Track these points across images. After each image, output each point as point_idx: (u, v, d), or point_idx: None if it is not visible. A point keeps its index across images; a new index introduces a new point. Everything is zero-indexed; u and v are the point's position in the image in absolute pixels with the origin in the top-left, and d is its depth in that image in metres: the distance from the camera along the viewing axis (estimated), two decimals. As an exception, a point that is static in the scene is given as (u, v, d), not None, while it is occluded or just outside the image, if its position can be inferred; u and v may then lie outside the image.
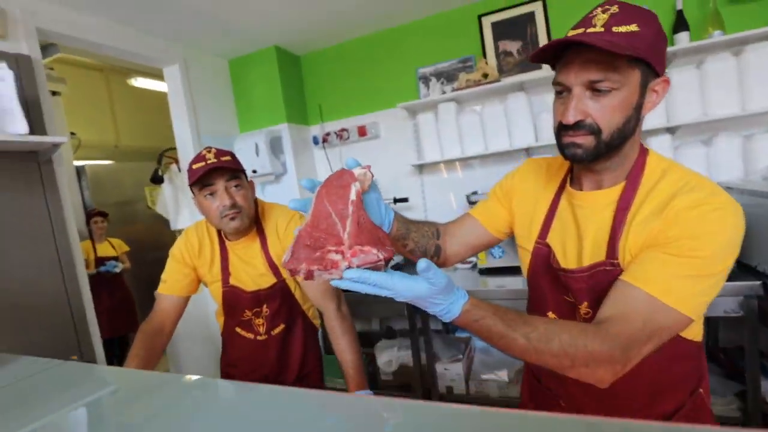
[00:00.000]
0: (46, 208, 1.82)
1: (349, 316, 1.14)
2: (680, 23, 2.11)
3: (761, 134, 1.99)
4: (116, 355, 3.46)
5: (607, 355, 0.60)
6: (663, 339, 0.64)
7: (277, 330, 1.26)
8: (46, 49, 2.75)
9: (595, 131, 0.69)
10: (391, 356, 2.52)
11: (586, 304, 0.77)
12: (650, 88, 0.70)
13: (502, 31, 2.52)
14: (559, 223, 0.84)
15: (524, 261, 0.91)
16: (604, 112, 0.68)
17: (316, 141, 3.04)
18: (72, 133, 3.63)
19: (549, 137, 2.34)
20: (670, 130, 2.17)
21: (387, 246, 0.58)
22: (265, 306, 1.23)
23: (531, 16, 2.45)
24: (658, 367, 0.75)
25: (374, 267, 0.56)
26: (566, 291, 0.81)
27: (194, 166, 1.11)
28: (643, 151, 0.77)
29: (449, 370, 2.37)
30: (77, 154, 3.71)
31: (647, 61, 0.66)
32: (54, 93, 3.33)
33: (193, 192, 1.16)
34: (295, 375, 1.30)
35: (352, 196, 0.59)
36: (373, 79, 2.87)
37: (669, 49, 2.04)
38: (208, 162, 1.10)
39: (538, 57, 0.73)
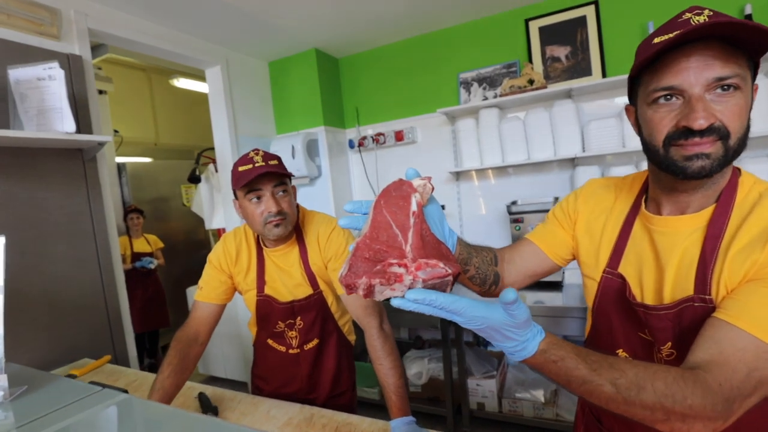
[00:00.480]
0: (87, 204, 1.85)
1: (392, 335, 1.08)
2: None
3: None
4: (146, 348, 3.53)
5: (710, 410, 0.51)
6: None
7: (310, 344, 1.22)
8: (95, 49, 2.84)
9: (725, 136, 0.60)
10: (421, 368, 2.44)
11: (669, 345, 0.68)
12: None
13: (550, 35, 2.42)
14: (633, 250, 0.75)
15: (590, 291, 0.82)
16: (732, 113, 0.59)
17: (351, 144, 3.01)
18: (115, 131, 3.74)
19: (597, 147, 2.22)
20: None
21: (452, 261, 0.52)
22: (299, 318, 1.19)
23: (582, 20, 2.34)
24: (749, 422, 0.65)
25: (441, 283, 0.50)
26: (642, 328, 0.72)
27: (240, 169, 1.07)
28: (735, 171, 0.68)
29: (481, 386, 2.28)
30: (119, 151, 3.82)
31: (756, 60, 0.60)
32: (100, 92, 3.44)
33: (236, 194, 1.12)
34: (326, 394, 1.24)
35: (413, 207, 0.54)
36: (412, 84, 2.82)
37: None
38: (257, 165, 1.06)
39: (636, 67, 0.64)
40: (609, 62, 2.31)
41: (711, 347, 0.56)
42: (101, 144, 1.79)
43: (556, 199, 2.32)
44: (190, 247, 4.22)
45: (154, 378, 1.11)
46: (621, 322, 0.75)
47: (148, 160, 4.12)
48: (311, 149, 2.79)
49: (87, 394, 0.71)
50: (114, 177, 3.68)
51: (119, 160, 3.77)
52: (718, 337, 0.57)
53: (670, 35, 0.59)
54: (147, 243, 3.49)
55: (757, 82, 0.64)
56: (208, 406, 1.14)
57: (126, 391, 0.71)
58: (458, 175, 2.74)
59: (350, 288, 0.50)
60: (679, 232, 0.68)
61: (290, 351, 1.22)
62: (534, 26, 2.45)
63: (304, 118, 2.89)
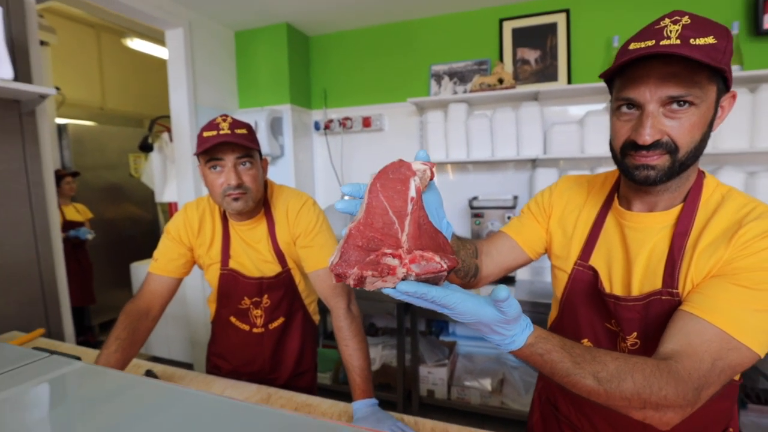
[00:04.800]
0: (23, 162, 1.68)
1: (359, 317, 1.06)
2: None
3: (765, 172, 2.01)
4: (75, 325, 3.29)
5: (681, 399, 0.54)
6: (730, 378, 0.59)
7: (275, 323, 1.17)
8: (38, -7, 2.56)
9: (672, 150, 0.64)
10: (374, 354, 2.45)
11: (635, 334, 0.71)
12: (720, 104, 0.66)
13: (522, 38, 2.47)
14: (604, 244, 0.78)
15: (560, 282, 0.85)
16: (683, 129, 0.63)
17: (317, 126, 2.93)
18: (57, 88, 3.41)
19: (557, 151, 2.31)
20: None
21: (449, 253, 0.50)
22: (266, 296, 1.14)
23: (553, 26, 2.42)
24: (701, 406, 0.70)
25: (435, 277, 0.48)
26: (608, 318, 0.76)
27: (205, 134, 1.00)
28: (700, 174, 0.73)
29: (432, 374, 2.32)
30: (60, 111, 3.50)
31: (725, 75, 0.62)
32: (42, 43, 3.12)
33: (198, 160, 1.05)
34: (289, 373, 1.21)
35: (412, 192, 0.51)
36: (384, 71, 2.79)
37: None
38: (221, 133, 0.99)
39: (608, 73, 0.67)
40: (575, 70, 2.40)
41: (680, 339, 0.60)
42: (43, 96, 1.62)
43: (516, 197, 2.40)
44: (135, 221, 3.97)
45: (96, 354, 1.02)
46: (588, 312, 0.79)
47: (92, 123, 3.80)
48: (275, 127, 2.70)
49: (30, 361, 0.64)
50: (53, 138, 3.36)
51: (60, 121, 3.45)
52: (687, 329, 0.61)
53: (642, 44, 0.62)
54: (76, 211, 3.22)
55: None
56: (157, 384, 1.06)
57: (79, 358, 0.64)
58: (423, 167, 2.76)
59: (340, 277, 0.47)
60: (649, 228, 0.72)
61: (254, 330, 1.17)
62: (508, 27, 2.50)
63: (270, 95, 2.78)
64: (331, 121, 2.88)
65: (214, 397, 0.58)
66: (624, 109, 0.67)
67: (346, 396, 1.01)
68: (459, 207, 2.67)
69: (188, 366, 2.84)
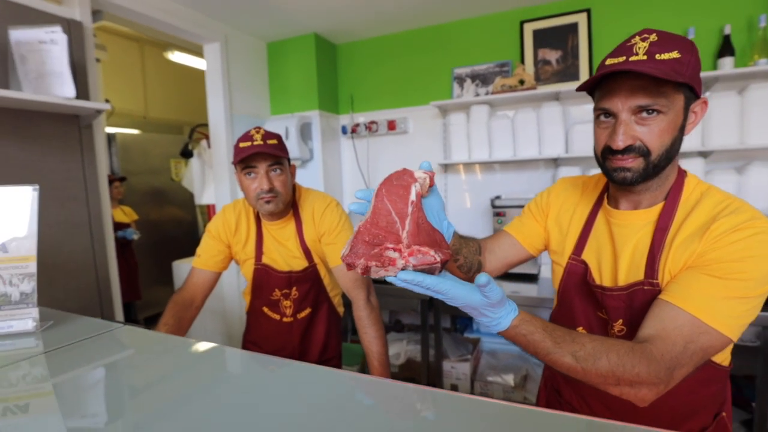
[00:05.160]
0: (82, 171, 1.87)
1: (378, 308, 1.17)
2: (726, 48, 2.08)
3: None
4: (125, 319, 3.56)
5: (654, 377, 0.61)
6: (704, 359, 0.65)
7: (303, 313, 1.30)
8: (92, 15, 2.81)
9: (645, 153, 0.71)
10: (399, 349, 2.55)
11: (621, 321, 0.78)
12: (691, 110, 0.73)
13: (543, 39, 2.51)
14: (594, 240, 0.85)
15: (557, 276, 0.93)
16: (653, 135, 0.70)
17: (344, 130, 3.06)
18: (106, 100, 3.70)
19: (579, 149, 2.33)
20: (704, 154, 2.15)
21: (444, 248, 0.59)
22: (294, 288, 1.26)
23: (574, 27, 2.44)
24: (687, 389, 0.76)
25: (430, 267, 0.57)
26: (599, 308, 0.83)
27: (241, 145, 1.13)
28: (681, 173, 0.79)
29: (456, 369, 2.39)
30: (109, 120, 3.79)
31: (690, 85, 0.69)
32: (96, 60, 3.39)
33: (235, 167, 1.19)
34: (315, 359, 1.33)
35: (413, 196, 0.60)
36: (407, 75, 2.88)
37: (711, 73, 2.02)
38: (254, 143, 1.12)
39: (584, 87, 0.75)
40: (596, 69, 2.41)
41: (656, 324, 0.67)
42: (99, 111, 1.81)
43: (538, 196, 2.43)
44: (176, 222, 4.23)
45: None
46: (582, 302, 0.86)
47: (136, 132, 4.09)
48: (304, 132, 2.84)
49: (109, 328, 0.79)
50: (104, 147, 3.64)
51: (109, 130, 3.74)
52: (662, 315, 0.67)
53: (615, 60, 0.69)
54: (123, 214, 3.48)
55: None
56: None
57: (150, 328, 0.79)
58: (446, 168, 2.83)
59: (350, 266, 0.57)
60: (633, 224, 0.79)
61: (284, 319, 1.30)
62: (528, 29, 2.54)
63: (299, 101, 2.92)
64: (357, 124, 3.00)
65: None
66: (602, 117, 0.74)
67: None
68: (482, 206, 2.73)
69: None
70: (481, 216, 2.74)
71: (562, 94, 2.37)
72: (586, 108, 2.46)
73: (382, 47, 2.94)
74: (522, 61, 2.56)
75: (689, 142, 2.10)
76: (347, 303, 1.30)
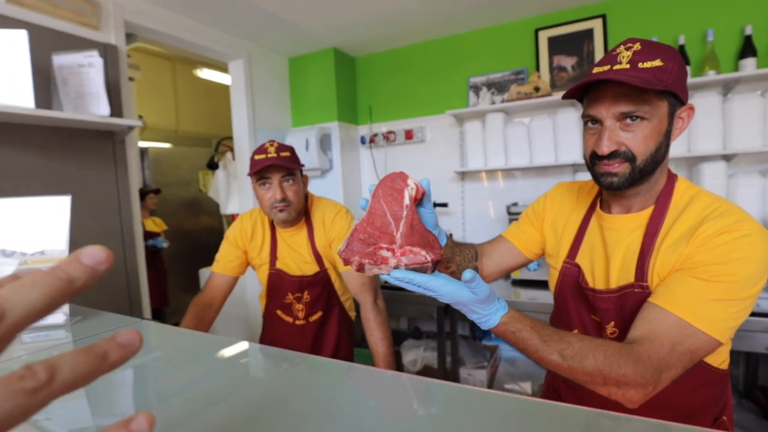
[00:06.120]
0: (115, 184, 2.01)
1: (384, 310, 1.21)
2: (747, 49, 2.04)
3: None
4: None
5: (640, 378, 0.62)
6: (692, 361, 0.66)
7: (314, 317, 1.35)
8: (126, 38, 3.00)
9: (630, 159, 0.73)
10: (416, 356, 2.57)
11: (612, 323, 0.80)
12: (677, 116, 0.74)
13: (558, 46, 2.51)
14: (588, 244, 0.87)
15: (553, 279, 0.95)
16: (637, 140, 0.72)
17: (363, 141, 3.13)
18: (140, 116, 3.91)
19: (596, 155, 2.31)
20: (726, 158, 2.10)
21: (436, 249, 0.62)
22: (306, 292, 1.33)
23: (589, 32, 2.44)
24: (684, 392, 0.77)
25: (422, 267, 0.60)
26: (593, 310, 0.84)
27: (256, 157, 1.21)
28: (671, 177, 0.80)
29: (473, 376, 2.39)
30: (142, 135, 4.00)
31: (674, 92, 0.70)
32: (130, 79, 3.61)
33: (251, 178, 1.26)
34: (327, 360, 1.38)
35: (406, 200, 0.63)
36: (424, 85, 2.94)
37: (733, 74, 1.98)
38: (269, 156, 1.20)
39: (570, 94, 0.78)
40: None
41: (644, 326, 0.69)
42: (131, 128, 1.94)
43: (555, 202, 2.42)
44: (204, 231, 4.40)
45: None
46: (576, 305, 0.88)
47: (168, 145, 4.30)
48: (324, 143, 2.93)
49: (133, 322, 0.87)
50: (137, 160, 3.86)
51: (142, 144, 3.95)
52: (651, 317, 0.69)
53: (600, 69, 0.72)
54: (154, 224, 3.66)
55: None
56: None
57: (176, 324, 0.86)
58: (463, 175, 2.86)
59: (346, 262, 0.61)
60: (624, 228, 0.81)
61: (296, 322, 1.36)
62: (543, 36, 2.55)
63: (320, 113, 3.02)
64: (375, 135, 3.06)
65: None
66: (589, 124, 0.77)
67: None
68: (499, 213, 2.74)
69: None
70: (497, 223, 2.74)
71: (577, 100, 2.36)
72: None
73: (399, 59, 3.01)
74: (537, 68, 2.57)
75: (711, 145, 2.06)
76: (359, 308, 1.35)
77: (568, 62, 2.50)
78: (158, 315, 3.78)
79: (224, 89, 4.01)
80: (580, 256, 0.87)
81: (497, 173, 2.76)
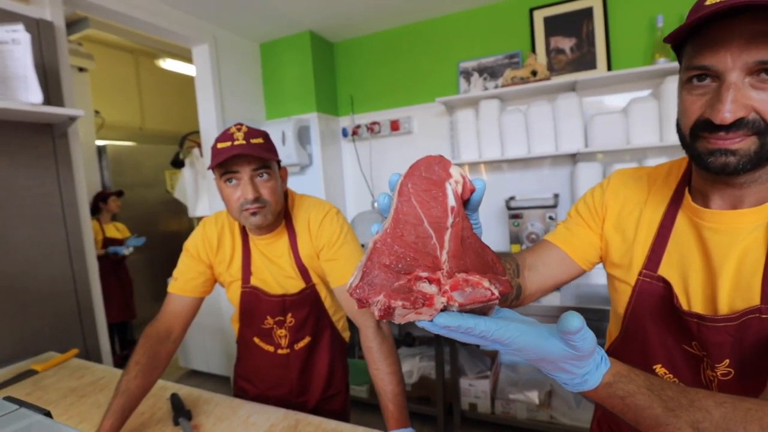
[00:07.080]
0: (57, 185, 1.70)
1: (390, 335, 0.96)
2: None
3: None
4: (116, 340, 3.37)
5: None
6: None
7: (301, 344, 1.10)
8: (76, 23, 2.66)
9: (761, 130, 0.50)
10: (412, 366, 2.35)
11: (727, 362, 0.58)
12: None
13: (555, 26, 2.32)
14: (676, 250, 0.65)
15: (621, 297, 0.71)
16: None
17: (345, 133, 2.88)
18: (96, 112, 3.55)
19: (601, 143, 2.14)
20: None
21: (500, 274, 0.39)
22: (290, 315, 1.07)
23: (588, 11, 2.25)
24: None
25: (483, 306, 0.38)
26: (687, 340, 0.62)
27: (219, 146, 0.94)
28: None
29: (474, 386, 2.19)
30: (100, 133, 3.64)
31: None
32: (81, 69, 3.25)
33: (214, 173, 1.00)
34: (318, 396, 1.13)
35: (451, 199, 0.40)
36: (410, 72, 2.70)
37: None
38: (235, 143, 0.93)
39: (673, 36, 0.54)
40: (615, 55, 2.22)
41: None
42: (72, 119, 1.64)
43: (557, 195, 2.24)
44: (172, 236, 4.06)
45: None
46: (660, 333, 0.65)
47: (131, 144, 3.93)
48: (302, 136, 2.66)
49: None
50: (94, 159, 3.49)
51: (100, 143, 3.58)
52: None
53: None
54: (116, 230, 3.33)
55: None
56: (180, 410, 1.01)
57: (48, 413, 0.58)
58: (455, 169, 2.64)
59: (363, 303, 0.37)
60: (736, 229, 0.58)
61: (279, 351, 1.10)
62: (539, 16, 2.35)
63: (296, 104, 2.75)
64: (358, 126, 2.82)
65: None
66: (695, 81, 0.54)
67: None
68: (495, 208, 2.53)
69: (226, 379, 2.85)
70: (495, 218, 2.54)
71: (578, 84, 2.18)
72: (605, 99, 2.27)
73: (382, 43, 2.77)
74: (533, 50, 2.37)
75: None
76: (354, 325, 1.11)
77: (566, 44, 2.32)
78: (123, 329, 3.44)
79: (191, 81, 3.69)
80: (665, 267, 0.65)
81: (493, 165, 2.56)
